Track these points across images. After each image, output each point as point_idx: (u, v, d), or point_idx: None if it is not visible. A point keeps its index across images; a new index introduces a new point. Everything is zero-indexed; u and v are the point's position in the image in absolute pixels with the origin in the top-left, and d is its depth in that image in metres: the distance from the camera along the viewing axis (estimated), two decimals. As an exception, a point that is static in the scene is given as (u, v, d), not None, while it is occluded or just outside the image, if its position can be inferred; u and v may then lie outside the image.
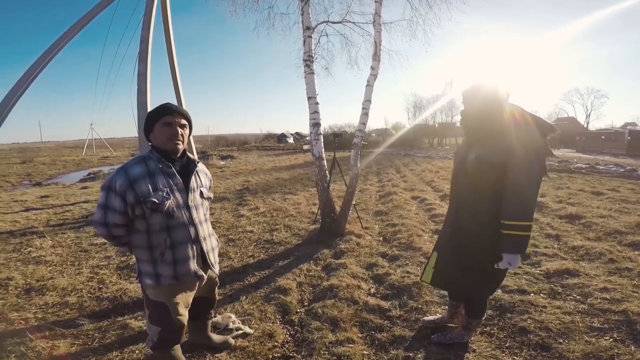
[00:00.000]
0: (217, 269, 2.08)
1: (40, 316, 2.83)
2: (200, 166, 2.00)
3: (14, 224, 5.97)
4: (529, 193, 1.83)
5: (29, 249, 4.54)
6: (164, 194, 1.72)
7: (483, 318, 2.36)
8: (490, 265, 2.00)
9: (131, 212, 1.70)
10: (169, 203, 1.73)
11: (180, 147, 1.82)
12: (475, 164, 1.96)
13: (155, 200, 1.68)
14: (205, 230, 1.95)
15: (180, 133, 1.80)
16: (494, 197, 1.92)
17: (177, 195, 1.79)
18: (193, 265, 1.85)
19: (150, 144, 1.84)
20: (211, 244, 2.00)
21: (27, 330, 2.56)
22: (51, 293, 3.24)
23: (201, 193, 1.93)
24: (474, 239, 2.04)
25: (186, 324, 1.95)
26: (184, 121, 1.84)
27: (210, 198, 2.06)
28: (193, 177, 1.88)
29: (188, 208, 1.82)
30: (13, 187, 12.84)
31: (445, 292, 2.80)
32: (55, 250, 4.49)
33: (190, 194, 1.84)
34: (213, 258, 2.01)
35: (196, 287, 1.99)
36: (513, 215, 1.84)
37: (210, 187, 2.08)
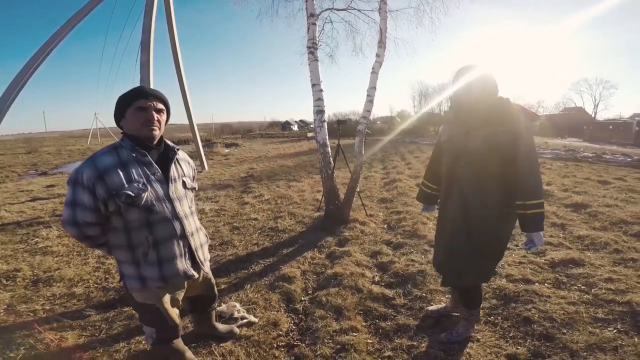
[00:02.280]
0: (207, 266, 1.95)
1: (48, 308, 2.87)
2: (182, 154, 1.83)
3: (21, 215, 6.03)
4: (539, 172, 1.96)
5: (36, 239, 4.59)
6: (140, 185, 1.56)
7: (481, 306, 2.36)
8: (498, 248, 2.11)
9: (104, 208, 1.53)
10: (146, 195, 1.57)
11: (157, 133, 1.64)
12: (483, 147, 1.97)
13: (130, 193, 1.51)
14: (192, 224, 1.79)
15: (156, 118, 1.63)
16: (501, 178, 1.97)
17: (156, 186, 1.62)
18: (181, 264, 1.71)
19: (122, 131, 1.66)
20: (199, 239, 1.86)
21: (35, 322, 2.59)
22: (58, 284, 3.28)
23: (184, 183, 1.77)
24: (484, 223, 2.05)
25: (178, 322, 1.86)
26: (160, 105, 1.66)
27: (195, 188, 1.90)
28: (173, 165, 1.72)
29: (170, 200, 1.66)
30: (19, 177, 12.93)
31: None
32: (61, 241, 4.54)
33: (171, 184, 1.68)
34: (202, 255, 1.87)
35: (185, 286, 1.86)
36: (534, 195, 1.91)
37: (194, 177, 1.92)
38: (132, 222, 1.59)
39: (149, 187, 1.60)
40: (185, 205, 1.77)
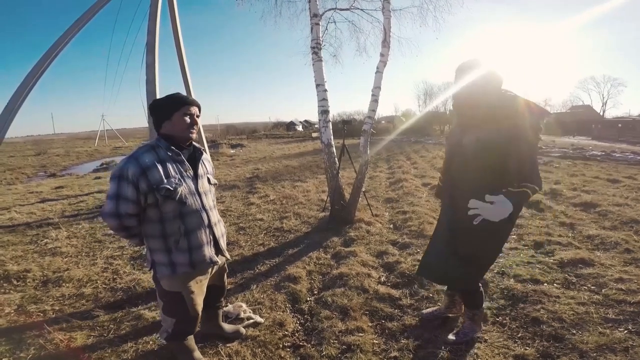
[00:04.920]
0: (227, 254, 2.12)
1: (57, 308, 2.89)
2: (205, 154, 2.04)
3: (30, 216, 6.11)
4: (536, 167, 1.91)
5: (45, 240, 4.64)
6: (176, 180, 1.75)
7: (484, 305, 2.32)
8: (486, 250, 2.04)
9: (143, 201, 1.70)
10: (181, 190, 1.76)
11: (194, 136, 1.89)
12: (477, 146, 1.92)
13: (169, 187, 1.70)
14: (215, 216, 1.99)
15: (197, 123, 1.87)
16: (493, 178, 1.90)
17: (188, 182, 1.82)
18: (208, 251, 1.90)
19: (157, 132, 1.85)
20: (221, 230, 2.05)
21: (45, 322, 2.62)
22: (67, 284, 3.31)
23: (208, 179, 1.98)
24: (470, 227, 1.96)
25: (200, 314, 1.97)
26: (199, 112, 1.90)
27: (216, 184, 2.10)
28: (200, 164, 1.93)
29: (199, 194, 1.86)
30: (29, 179, 13.11)
31: None
32: (70, 241, 4.59)
33: (199, 180, 1.89)
34: (224, 244, 2.06)
35: (209, 274, 2.02)
36: (528, 181, 1.85)
37: (213, 174, 2.11)
38: (167, 213, 1.76)
39: (183, 182, 1.79)
40: (210, 199, 1.97)
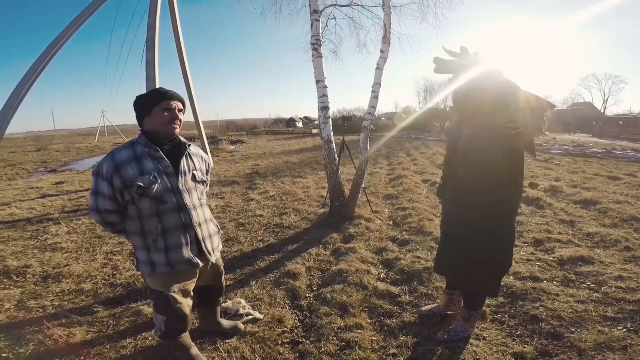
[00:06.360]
0: (214, 256, 2.03)
1: (57, 304, 2.90)
2: (194, 149, 1.97)
3: (31, 211, 6.11)
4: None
5: (46, 236, 4.64)
6: (152, 177, 1.70)
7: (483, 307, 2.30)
8: (494, 246, 1.98)
9: (120, 198, 1.69)
10: (156, 187, 1.70)
11: (178, 131, 1.83)
12: (476, 141, 1.91)
13: (142, 184, 1.66)
14: (201, 215, 1.91)
15: (179, 118, 1.82)
16: (494, 174, 1.88)
17: (166, 179, 1.76)
18: (187, 252, 1.82)
19: (141, 128, 1.81)
20: (208, 230, 1.96)
21: (44, 318, 2.62)
22: (67, 280, 3.31)
23: (194, 177, 1.89)
24: (475, 218, 1.96)
25: (188, 313, 1.95)
26: (181, 106, 1.84)
27: (206, 182, 2.01)
28: (184, 160, 1.85)
29: (179, 192, 1.79)
30: (29, 175, 13.10)
31: None
32: (70, 237, 4.59)
33: (180, 177, 1.81)
34: (211, 245, 1.97)
35: (196, 276, 1.96)
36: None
37: (208, 171, 2.04)
38: (144, 211, 1.73)
39: (159, 179, 1.73)
40: (195, 197, 1.88)
